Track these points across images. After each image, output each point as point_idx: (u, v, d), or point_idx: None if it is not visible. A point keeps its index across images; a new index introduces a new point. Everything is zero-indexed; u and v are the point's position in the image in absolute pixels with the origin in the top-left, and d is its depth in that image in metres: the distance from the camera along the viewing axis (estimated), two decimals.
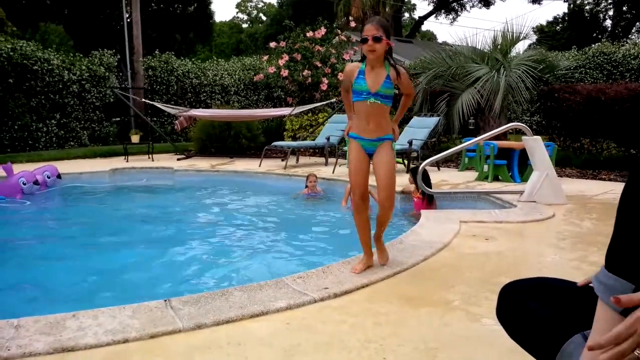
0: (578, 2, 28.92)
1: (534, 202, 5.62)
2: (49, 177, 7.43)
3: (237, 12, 53.88)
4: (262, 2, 52.45)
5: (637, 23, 29.10)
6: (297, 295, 2.74)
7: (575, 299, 1.29)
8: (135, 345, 2.21)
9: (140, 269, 4.04)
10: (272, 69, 13.00)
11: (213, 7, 32.47)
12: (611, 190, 6.61)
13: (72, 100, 12.88)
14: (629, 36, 27.82)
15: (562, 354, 1.17)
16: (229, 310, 2.52)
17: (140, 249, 4.63)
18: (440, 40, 33.17)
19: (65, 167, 8.73)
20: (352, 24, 15.53)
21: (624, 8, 27.95)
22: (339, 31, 13.66)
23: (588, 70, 12.99)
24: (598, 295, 1.08)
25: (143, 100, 12.73)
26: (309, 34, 12.83)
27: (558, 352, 1.19)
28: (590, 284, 1.25)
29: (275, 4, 42.88)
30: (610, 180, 7.68)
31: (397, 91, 3.24)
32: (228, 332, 2.35)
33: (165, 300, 2.62)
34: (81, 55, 13.44)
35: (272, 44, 13.20)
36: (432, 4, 31.62)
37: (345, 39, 13.48)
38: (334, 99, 12.17)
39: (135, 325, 2.34)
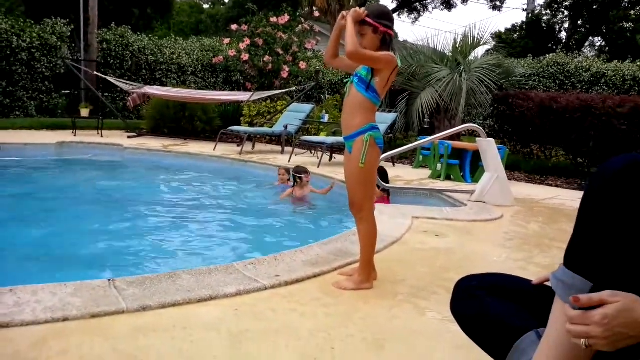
0: (536, 12, 29.74)
1: (484, 202, 5.74)
2: None
3: None
4: None
5: (590, 37, 30.22)
6: (247, 282, 2.69)
7: (530, 297, 1.30)
8: (76, 324, 2.11)
9: (83, 248, 3.90)
10: (232, 52, 12.79)
11: None
12: (558, 195, 6.83)
13: (20, 68, 12.30)
14: (582, 49, 28.85)
15: (515, 350, 1.18)
16: (175, 293, 2.45)
17: (84, 226, 4.47)
18: (401, 38, 33.46)
19: (9, 137, 8.35)
20: (316, 14, 15.45)
21: (579, 22, 28.96)
22: (302, 20, 13.56)
23: (542, 79, 13.43)
24: (556, 292, 1.09)
25: (95, 73, 12.28)
26: (273, 19, 12.68)
27: (511, 349, 1.19)
28: (545, 283, 1.27)
29: None
30: (557, 186, 7.94)
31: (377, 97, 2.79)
32: (174, 315, 2.28)
33: (109, 280, 2.52)
34: (33, 22, 12.83)
35: (234, 27, 12.99)
36: (395, 2, 31.85)
37: (309, 28, 13.40)
38: (294, 88, 12.10)
39: (76, 304, 2.24)
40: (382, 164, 5.69)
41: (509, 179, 6.74)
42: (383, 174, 5.68)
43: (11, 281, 2.43)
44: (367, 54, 2.67)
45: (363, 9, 2.73)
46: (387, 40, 2.76)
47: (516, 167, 9.17)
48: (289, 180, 6.30)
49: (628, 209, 1.00)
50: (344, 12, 2.76)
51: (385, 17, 2.76)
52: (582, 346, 1.01)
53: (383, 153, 2.97)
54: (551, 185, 7.98)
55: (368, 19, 2.69)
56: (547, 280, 1.21)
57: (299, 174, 5.97)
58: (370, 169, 2.79)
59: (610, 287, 1.00)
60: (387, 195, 5.74)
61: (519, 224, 4.92)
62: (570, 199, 6.59)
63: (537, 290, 1.31)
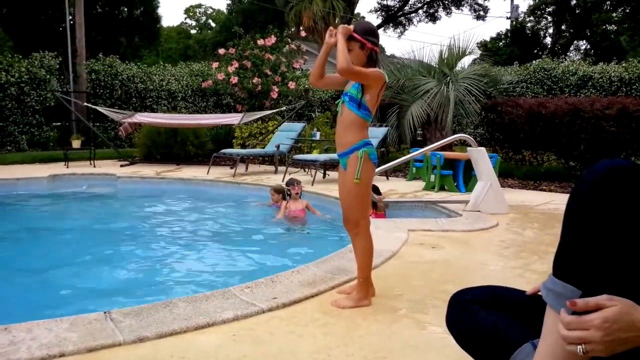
0: (520, 19, 30.10)
1: (479, 211, 5.75)
2: None
3: (185, 18, 53.11)
4: (211, 8, 52.04)
5: (575, 41, 30.56)
6: (244, 306, 2.67)
7: (525, 308, 1.30)
8: (72, 359, 2.09)
9: (79, 280, 3.87)
10: (221, 76, 12.84)
11: (160, 11, 31.98)
12: (552, 200, 6.85)
13: (10, 103, 12.30)
14: (567, 53, 29.16)
15: None
16: (172, 322, 2.43)
17: (79, 259, 4.44)
18: (388, 53, 33.76)
19: (1, 172, 8.31)
20: (303, 34, 15.58)
21: (563, 27, 29.31)
22: (289, 40, 13.66)
23: (529, 85, 13.52)
24: (547, 302, 1.09)
25: (85, 104, 12.30)
26: (260, 41, 12.77)
27: None
28: (538, 293, 1.26)
29: (225, 11, 42.58)
30: (550, 191, 7.96)
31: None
32: (172, 345, 2.26)
33: (105, 312, 2.50)
34: (20, 56, 12.87)
35: (222, 51, 13.05)
36: (380, 17, 32.17)
37: (296, 48, 13.49)
38: (284, 107, 12.14)
39: (72, 339, 2.22)
40: (374, 178, 5.69)
41: (503, 186, 6.76)
42: (374, 189, 5.67)
43: (5, 318, 2.41)
44: (359, 70, 2.70)
45: (351, 25, 2.77)
46: (374, 57, 2.79)
47: (509, 174, 9.20)
48: (282, 198, 6.29)
49: (612, 215, 1.01)
50: (332, 29, 2.79)
51: (371, 33, 2.80)
52: (579, 353, 1.00)
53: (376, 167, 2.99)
54: (545, 190, 8.00)
55: (356, 35, 2.73)
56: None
57: (287, 186, 5.99)
58: (366, 184, 2.81)
59: (598, 293, 1.00)
60: (375, 210, 5.65)
61: (515, 231, 4.93)
62: (564, 203, 6.55)
63: (532, 300, 1.31)
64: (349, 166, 2.78)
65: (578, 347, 1.00)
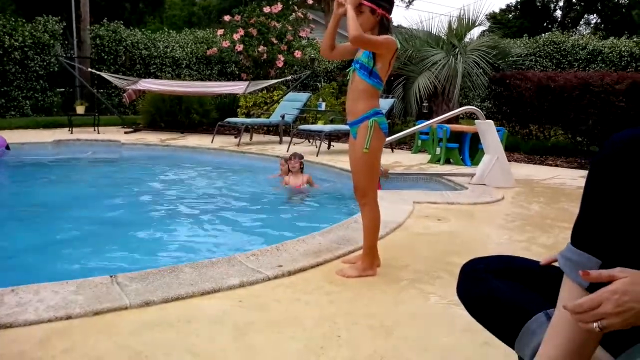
0: None
1: (484, 184, 5.72)
2: None
3: None
4: None
5: (585, 15, 30.06)
6: (250, 273, 2.68)
7: (538, 278, 1.28)
8: (79, 322, 2.10)
9: (85, 244, 3.87)
10: (226, 44, 12.70)
11: None
12: (557, 175, 6.81)
13: (14, 68, 12.21)
14: (577, 27, 28.72)
15: (524, 332, 1.17)
16: (178, 287, 2.44)
17: (84, 223, 4.44)
18: (395, 23, 33.34)
19: (6, 137, 8.27)
20: (310, 1, 15.32)
21: (574, 0, 28.80)
22: (295, 8, 13.45)
23: (538, 59, 13.36)
24: (564, 271, 1.07)
25: (89, 70, 12.21)
26: (266, 9, 12.58)
27: (520, 331, 1.18)
28: (553, 263, 1.25)
29: None
30: (556, 165, 7.92)
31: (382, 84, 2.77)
32: (177, 309, 2.27)
33: (112, 276, 2.51)
34: (24, 20, 12.72)
35: (227, 18, 12.88)
36: None
37: (302, 16, 13.29)
38: (290, 77, 12.03)
39: (79, 301, 2.22)
40: None
41: (509, 160, 6.72)
42: None
43: (13, 281, 2.42)
44: (371, 39, 2.64)
45: None
46: (385, 24, 2.72)
47: (515, 148, 9.14)
48: (289, 170, 6.21)
49: (633, 184, 0.98)
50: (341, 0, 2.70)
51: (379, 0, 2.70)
52: (595, 329, 0.99)
53: None
54: (551, 165, 7.96)
55: (365, 2, 2.65)
56: (555, 261, 1.18)
57: (286, 160, 5.92)
58: (375, 154, 2.78)
59: (619, 263, 0.98)
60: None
61: (521, 205, 4.91)
62: (570, 177, 6.57)
63: (545, 270, 1.29)
64: (359, 135, 2.76)
65: (594, 324, 0.99)
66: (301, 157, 6.02)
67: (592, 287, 1.01)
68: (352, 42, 2.64)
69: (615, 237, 1.00)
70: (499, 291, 1.24)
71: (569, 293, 1.06)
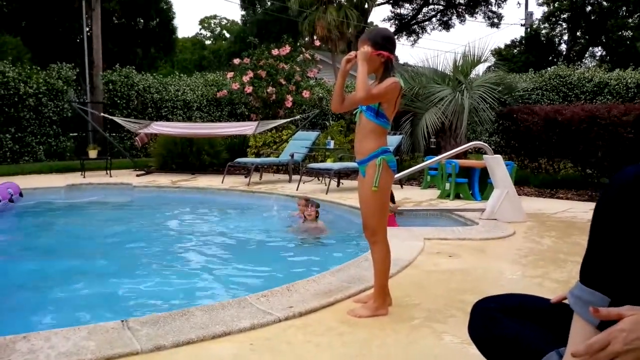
0: (534, 26, 29.94)
1: (495, 219, 5.69)
2: (11, 194, 7.12)
3: (200, 29, 53.59)
4: (226, 19, 52.52)
5: (590, 48, 30.32)
6: (261, 315, 2.66)
7: (549, 316, 1.27)
8: None
9: (96, 288, 3.88)
10: (236, 86, 12.93)
11: (176, 22, 32.30)
12: (569, 208, 6.77)
13: (28, 114, 12.49)
14: (583, 60, 28.95)
15: None
16: (189, 331, 2.43)
17: (96, 267, 4.46)
18: (401, 61, 33.83)
19: (19, 182, 8.39)
20: (317, 43, 15.64)
21: (578, 33, 29.12)
22: (303, 49, 13.73)
23: (545, 92, 13.43)
24: (574, 309, 1.07)
25: (102, 114, 12.44)
26: (274, 51, 12.84)
27: None
28: (563, 301, 1.24)
29: (239, 22, 42.95)
30: (567, 199, 7.87)
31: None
32: (188, 353, 2.26)
33: (123, 321, 2.51)
34: (39, 68, 13.07)
35: (236, 61, 13.16)
36: (394, 26, 32.23)
37: (310, 57, 13.54)
38: (298, 116, 12.18)
39: (90, 347, 2.22)
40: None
41: (519, 194, 6.69)
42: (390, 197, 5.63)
43: (24, 327, 2.43)
44: (377, 94, 2.70)
45: (367, 47, 2.73)
46: (390, 66, 2.80)
47: (525, 182, 9.11)
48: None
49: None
50: (350, 55, 2.79)
51: (388, 40, 2.79)
52: None
53: None
54: (562, 198, 7.91)
55: (373, 54, 2.73)
56: (565, 299, 1.18)
57: (298, 205, 5.84)
58: (384, 192, 2.80)
59: (627, 301, 0.98)
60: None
61: (533, 240, 4.87)
62: (582, 210, 6.52)
63: (556, 309, 1.29)
64: (368, 174, 2.78)
65: None
66: (317, 205, 6.02)
67: (602, 325, 1.00)
68: (361, 102, 2.75)
69: (623, 275, 1.00)
70: (510, 330, 1.24)
71: (579, 331, 1.05)
